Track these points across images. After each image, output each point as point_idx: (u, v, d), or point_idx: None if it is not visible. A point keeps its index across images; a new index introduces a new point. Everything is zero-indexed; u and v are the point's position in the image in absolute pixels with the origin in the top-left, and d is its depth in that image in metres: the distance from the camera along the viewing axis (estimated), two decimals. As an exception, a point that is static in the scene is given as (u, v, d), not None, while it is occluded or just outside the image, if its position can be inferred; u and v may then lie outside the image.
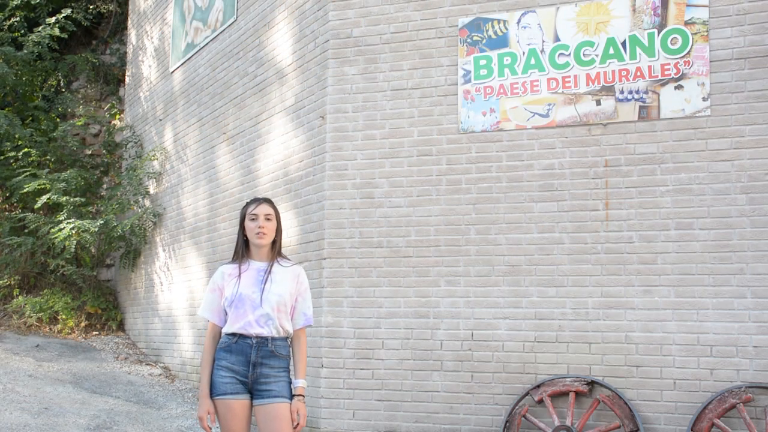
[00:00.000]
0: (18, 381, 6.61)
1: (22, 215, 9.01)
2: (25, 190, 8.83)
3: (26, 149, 9.48)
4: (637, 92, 5.16)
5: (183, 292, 7.92)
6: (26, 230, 9.18)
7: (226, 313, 3.39)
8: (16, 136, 9.50)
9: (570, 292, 5.18)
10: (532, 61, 5.41)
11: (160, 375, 7.81)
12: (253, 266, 3.42)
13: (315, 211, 5.91)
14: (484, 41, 5.54)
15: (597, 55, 5.28)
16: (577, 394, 5.03)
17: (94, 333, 9.04)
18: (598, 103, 5.24)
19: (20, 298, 9.04)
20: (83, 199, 8.93)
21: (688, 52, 5.07)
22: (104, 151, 10.23)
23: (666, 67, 5.10)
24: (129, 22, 10.51)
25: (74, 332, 8.85)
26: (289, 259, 3.53)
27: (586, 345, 5.11)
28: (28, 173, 9.16)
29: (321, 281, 5.71)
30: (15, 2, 10.82)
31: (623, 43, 5.22)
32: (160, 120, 8.95)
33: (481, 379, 5.30)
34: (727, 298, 4.85)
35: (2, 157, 9.84)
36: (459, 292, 5.42)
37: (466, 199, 5.48)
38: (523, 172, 5.37)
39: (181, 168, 8.26)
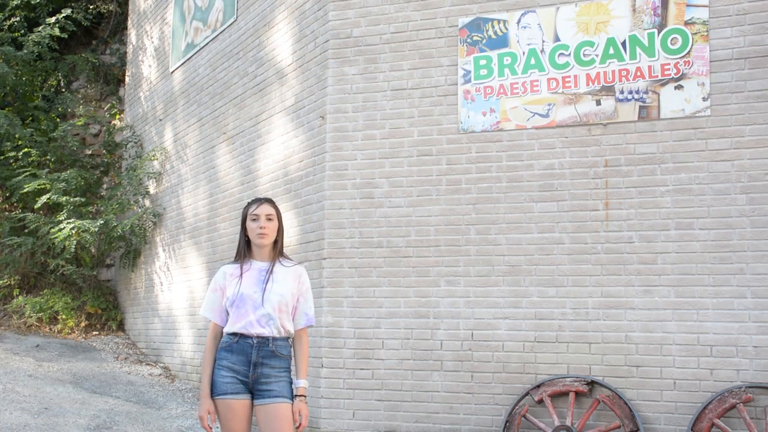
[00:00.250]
0: (18, 381, 6.61)
1: (22, 215, 9.01)
2: (25, 190, 8.83)
3: (26, 149, 9.48)
4: (637, 92, 5.16)
5: (183, 292, 7.92)
6: (26, 230, 9.18)
7: (227, 313, 3.40)
8: (16, 136, 9.50)
9: (570, 292, 5.18)
10: (532, 61, 5.41)
11: (160, 375, 7.81)
12: (254, 266, 3.42)
13: (315, 211, 5.91)
14: (484, 41, 5.54)
15: (597, 55, 5.28)
16: (577, 394, 5.03)
17: (94, 333, 9.04)
18: (598, 103, 5.24)
19: (20, 298, 9.04)
20: (83, 199, 8.93)
21: (688, 52, 5.07)
22: (104, 151, 10.23)
23: (666, 67, 5.11)
24: (129, 22, 10.51)
25: (74, 332, 8.85)
26: (291, 259, 3.53)
27: (586, 345, 5.11)
28: (28, 173, 9.16)
29: (321, 281, 5.71)
30: (15, 2, 10.82)
31: (623, 43, 5.22)
32: (160, 120, 8.95)
33: (481, 379, 5.30)
34: (727, 298, 4.85)
35: (2, 157, 9.84)
36: (459, 292, 5.42)
37: (466, 199, 5.48)
38: (523, 172, 5.37)
39: (181, 168, 8.27)
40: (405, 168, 5.66)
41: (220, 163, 7.42)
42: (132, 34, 10.32)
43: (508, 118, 5.44)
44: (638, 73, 5.17)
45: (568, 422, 4.92)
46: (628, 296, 5.05)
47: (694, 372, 4.86)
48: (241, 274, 3.39)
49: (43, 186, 8.79)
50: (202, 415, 3.30)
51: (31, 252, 9.15)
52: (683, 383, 4.87)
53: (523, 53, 5.44)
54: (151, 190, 8.99)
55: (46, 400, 6.20)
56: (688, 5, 5.10)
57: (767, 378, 4.72)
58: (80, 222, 8.32)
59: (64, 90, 11.42)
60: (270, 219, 3.42)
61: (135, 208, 9.02)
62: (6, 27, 10.98)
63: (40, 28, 10.02)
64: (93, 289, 9.50)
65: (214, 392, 3.32)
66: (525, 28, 5.45)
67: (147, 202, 9.03)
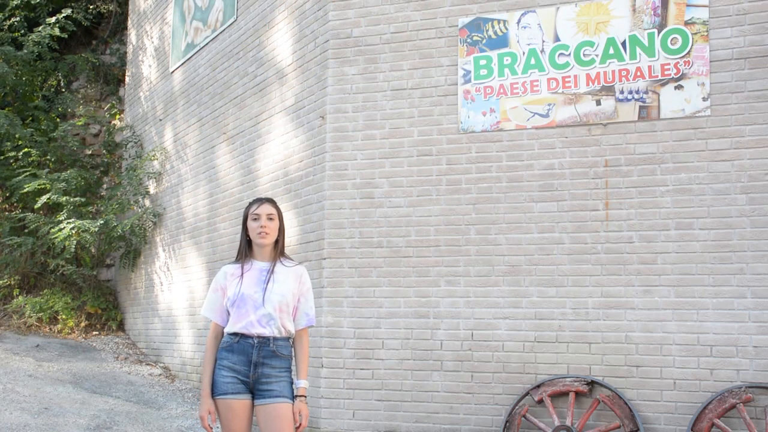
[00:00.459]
0: (18, 381, 6.61)
1: (22, 215, 9.01)
2: (25, 190, 8.83)
3: (26, 149, 9.48)
4: (637, 92, 5.16)
5: (183, 292, 7.92)
6: (26, 230, 9.18)
7: (228, 313, 3.40)
8: (16, 136, 9.50)
9: (570, 292, 5.18)
10: (532, 61, 5.41)
11: (160, 375, 7.81)
12: (255, 266, 3.42)
13: (315, 211, 5.91)
14: (484, 41, 5.54)
15: (597, 55, 5.28)
16: (577, 394, 5.03)
17: (94, 333, 9.04)
18: (598, 103, 5.24)
19: (20, 298, 9.04)
20: (83, 199, 8.93)
21: (688, 52, 5.07)
22: (104, 151, 10.23)
23: (666, 67, 5.11)
24: (129, 22, 10.51)
25: (74, 332, 8.85)
26: (292, 259, 3.53)
27: (586, 345, 5.11)
28: (28, 173, 9.16)
29: (321, 281, 5.71)
30: (15, 2, 10.82)
31: (623, 43, 5.22)
32: (160, 120, 8.95)
33: (481, 379, 5.30)
34: (727, 298, 4.85)
35: (2, 157, 9.84)
36: (459, 292, 5.42)
37: (466, 199, 5.48)
38: (523, 172, 5.37)
39: (181, 168, 8.27)
40: (405, 168, 5.66)
41: (220, 163, 7.42)
42: (132, 34, 10.32)
43: (508, 118, 5.44)
44: (638, 73, 5.17)
45: (568, 422, 4.92)
46: (628, 296, 5.05)
47: (694, 372, 4.86)
48: (242, 274, 3.39)
49: (43, 186, 8.79)
50: (202, 415, 3.30)
51: (31, 252, 9.15)
52: (683, 383, 4.87)
53: (523, 53, 5.44)
54: (151, 190, 8.99)
55: (46, 400, 6.20)
56: (688, 5, 5.10)
57: (767, 378, 4.72)
58: (80, 222, 8.32)
59: (64, 90, 11.42)
60: (271, 219, 3.42)
61: (135, 208, 9.02)
62: (6, 27, 10.98)
63: (40, 28, 10.02)
64: (93, 289, 9.50)
65: (214, 392, 3.32)
66: (525, 28, 5.45)
67: (147, 202, 9.03)
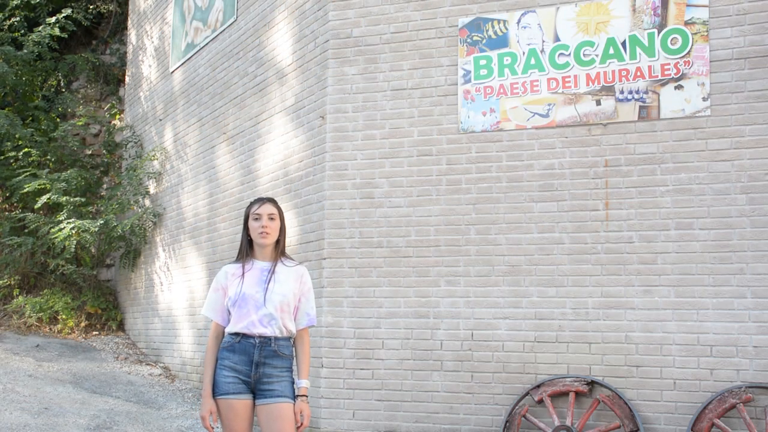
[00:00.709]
0: (18, 381, 6.61)
1: (22, 215, 9.01)
2: (25, 190, 8.83)
3: (26, 149, 9.48)
4: (637, 92, 5.16)
5: (183, 292, 7.92)
6: (26, 230, 9.18)
7: (229, 313, 3.40)
8: (17, 136, 9.50)
9: (570, 292, 5.18)
10: (532, 61, 5.41)
11: (160, 375, 7.81)
12: (256, 266, 3.42)
13: (315, 211, 5.91)
14: (484, 41, 5.54)
15: (597, 55, 5.28)
16: (577, 394, 5.03)
17: (94, 333, 9.04)
18: (598, 103, 5.25)
19: (20, 298, 9.04)
20: (83, 199, 8.93)
21: (688, 52, 5.07)
22: (104, 151, 10.23)
23: (666, 67, 5.11)
24: (129, 22, 10.51)
25: (74, 332, 8.85)
26: (293, 259, 3.53)
27: (586, 345, 5.11)
28: (28, 173, 9.16)
29: (321, 281, 5.71)
30: (15, 2, 10.82)
31: (623, 43, 5.23)
32: (160, 120, 8.95)
33: (481, 379, 5.30)
34: (727, 298, 4.85)
35: (2, 157, 9.84)
36: (459, 292, 5.42)
37: (466, 199, 5.48)
38: (523, 172, 5.37)
39: (181, 168, 8.27)
40: (405, 168, 5.66)
41: (220, 163, 7.43)
42: (132, 34, 10.32)
43: (508, 118, 5.44)
44: (638, 73, 5.17)
45: (568, 422, 4.92)
46: (628, 296, 5.05)
47: (694, 372, 4.86)
48: (243, 273, 3.39)
49: (43, 186, 8.79)
50: (203, 415, 3.31)
51: (31, 252, 9.15)
52: (683, 383, 4.87)
53: (523, 53, 5.44)
54: (151, 190, 8.99)
55: (46, 400, 6.20)
56: (688, 5, 5.10)
57: (767, 378, 4.72)
58: (80, 222, 8.32)
59: (64, 90, 11.42)
60: (272, 218, 3.42)
61: (135, 208, 9.02)
62: (6, 27, 10.98)
63: (40, 28, 10.02)
64: (93, 289, 9.50)
65: (216, 392, 3.32)
66: (525, 28, 5.45)
67: (147, 202, 9.03)
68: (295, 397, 3.33)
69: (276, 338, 3.34)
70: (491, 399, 5.26)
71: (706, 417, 4.68)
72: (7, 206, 10.28)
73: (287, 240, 6.06)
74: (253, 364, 3.30)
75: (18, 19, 10.97)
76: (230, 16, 7.49)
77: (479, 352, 5.33)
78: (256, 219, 3.42)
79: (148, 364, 8.16)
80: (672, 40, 5.12)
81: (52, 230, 8.40)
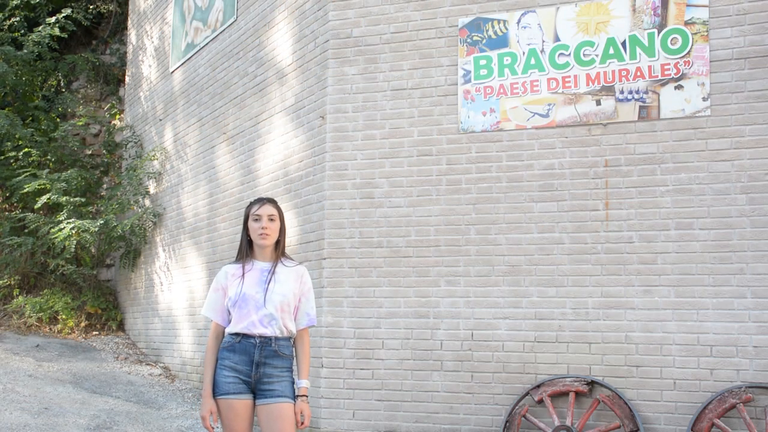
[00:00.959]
0: (18, 381, 6.61)
1: (22, 215, 9.01)
2: (25, 190, 8.83)
3: (26, 149, 9.48)
4: (637, 92, 5.16)
5: (183, 292, 7.92)
6: (26, 230, 9.18)
7: (229, 313, 3.40)
8: (17, 136, 9.50)
9: (570, 292, 5.18)
10: (532, 61, 5.41)
11: (160, 375, 7.81)
12: (256, 266, 3.42)
13: (315, 211, 5.91)
14: (484, 41, 5.54)
15: (597, 55, 5.28)
16: (577, 394, 5.03)
17: (94, 333, 9.04)
18: (598, 103, 5.24)
19: (20, 298, 9.04)
20: (83, 199, 8.93)
21: (688, 52, 5.07)
22: (104, 151, 10.23)
23: (666, 67, 5.11)
24: (129, 22, 10.51)
25: (74, 332, 8.85)
26: (293, 259, 3.53)
27: (586, 345, 5.11)
28: (28, 173, 9.16)
29: (321, 281, 5.71)
30: (15, 2, 10.82)
31: (623, 43, 5.23)
32: (160, 120, 8.95)
33: (481, 379, 5.30)
34: (727, 298, 4.85)
35: (2, 157, 9.84)
36: (459, 292, 5.42)
37: (466, 199, 5.48)
38: (523, 172, 5.37)
39: (181, 168, 8.27)
40: (405, 168, 5.66)
41: (220, 163, 7.43)
42: (132, 34, 10.32)
43: (508, 118, 5.44)
44: (638, 73, 5.17)
45: (568, 422, 4.92)
46: (628, 296, 5.05)
47: (694, 372, 4.86)
48: (243, 274, 3.39)
49: (43, 186, 8.79)
50: (204, 415, 3.31)
51: (31, 252, 9.15)
52: (683, 383, 4.87)
53: (523, 53, 5.44)
54: (151, 190, 8.99)
55: (46, 400, 6.20)
56: (688, 5, 5.10)
57: (767, 378, 4.72)
58: (80, 222, 8.32)
59: (64, 90, 11.42)
60: (272, 219, 3.42)
61: (135, 208, 9.02)
62: (6, 27, 10.98)
63: (40, 28, 10.02)
64: (93, 289, 9.50)
65: (216, 392, 3.32)
66: (525, 28, 5.45)
67: (147, 202, 9.03)
68: (295, 397, 3.33)
69: (276, 338, 3.34)
70: (491, 399, 5.26)
71: (706, 417, 4.68)
72: (7, 206, 10.28)
73: (287, 240, 6.07)
74: (254, 364, 3.30)
75: (18, 19, 10.97)
76: (230, 16, 7.50)
77: (479, 352, 5.33)
78: (256, 220, 3.42)
79: (148, 364, 8.16)
80: (672, 40, 5.12)
81: (52, 230, 8.40)
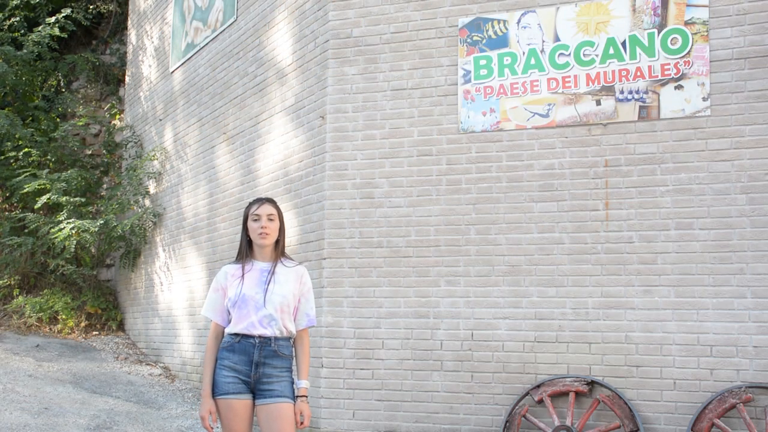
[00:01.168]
0: (18, 381, 6.62)
1: (22, 215, 9.01)
2: (25, 190, 8.83)
3: (26, 149, 9.48)
4: (637, 92, 5.16)
5: (183, 292, 7.92)
6: (26, 230, 9.18)
7: (228, 313, 3.40)
8: (17, 136, 9.50)
9: (570, 292, 5.18)
10: (532, 61, 5.41)
11: (160, 375, 7.81)
12: (256, 266, 3.42)
13: (315, 211, 5.91)
14: (484, 41, 5.54)
15: (597, 55, 5.28)
16: (577, 394, 5.03)
17: (94, 333, 9.04)
18: (598, 103, 5.24)
19: (20, 298, 9.04)
20: (83, 199, 8.93)
21: (688, 52, 5.07)
22: (104, 151, 10.23)
23: (666, 67, 5.11)
24: (129, 22, 10.51)
25: (74, 332, 8.85)
26: (293, 259, 3.53)
27: (586, 345, 5.11)
28: (28, 173, 9.16)
29: (321, 281, 5.71)
30: (15, 2, 10.82)
31: (623, 43, 5.23)
32: (160, 120, 8.95)
33: (481, 379, 5.30)
34: (727, 298, 4.85)
35: (2, 157, 9.84)
36: (459, 292, 5.42)
37: (466, 199, 5.48)
38: (523, 172, 5.37)
39: (181, 168, 8.27)
40: (405, 168, 5.66)
41: (220, 163, 7.43)
42: (132, 34, 10.32)
43: (508, 118, 5.44)
44: (638, 73, 5.17)
45: (568, 422, 4.92)
46: (628, 296, 5.05)
47: (694, 372, 4.86)
48: (243, 274, 3.39)
49: (43, 186, 8.79)
50: (203, 415, 3.31)
51: (31, 252, 9.15)
52: (683, 383, 4.87)
53: (523, 53, 5.44)
54: (151, 190, 8.99)
55: (46, 400, 6.20)
56: (688, 5, 5.10)
57: (767, 378, 4.72)
58: (80, 222, 8.32)
59: (64, 90, 11.42)
60: (271, 219, 3.42)
61: (135, 208, 9.02)
62: (6, 27, 10.97)
63: (40, 28, 10.02)
64: (93, 289, 9.50)
65: (215, 392, 3.32)
66: (525, 28, 5.45)
67: (147, 202, 9.03)
68: (295, 397, 3.33)
69: (276, 338, 3.34)
70: (491, 399, 5.26)
71: (706, 417, 4.68)
72: (7, 206, 10.28)
73: (287, 240, 6.07)
74: (253, 364, 3.30)
75: (18, 19, 10.97)
76: (230, 16, 7.50)
77: (479, 352, 5.33)
78: (255, 220, 3.42)
79: (148, 364, 8.16)
80: (672, 40, 5.12)
81: (52, 230, 8.40)
